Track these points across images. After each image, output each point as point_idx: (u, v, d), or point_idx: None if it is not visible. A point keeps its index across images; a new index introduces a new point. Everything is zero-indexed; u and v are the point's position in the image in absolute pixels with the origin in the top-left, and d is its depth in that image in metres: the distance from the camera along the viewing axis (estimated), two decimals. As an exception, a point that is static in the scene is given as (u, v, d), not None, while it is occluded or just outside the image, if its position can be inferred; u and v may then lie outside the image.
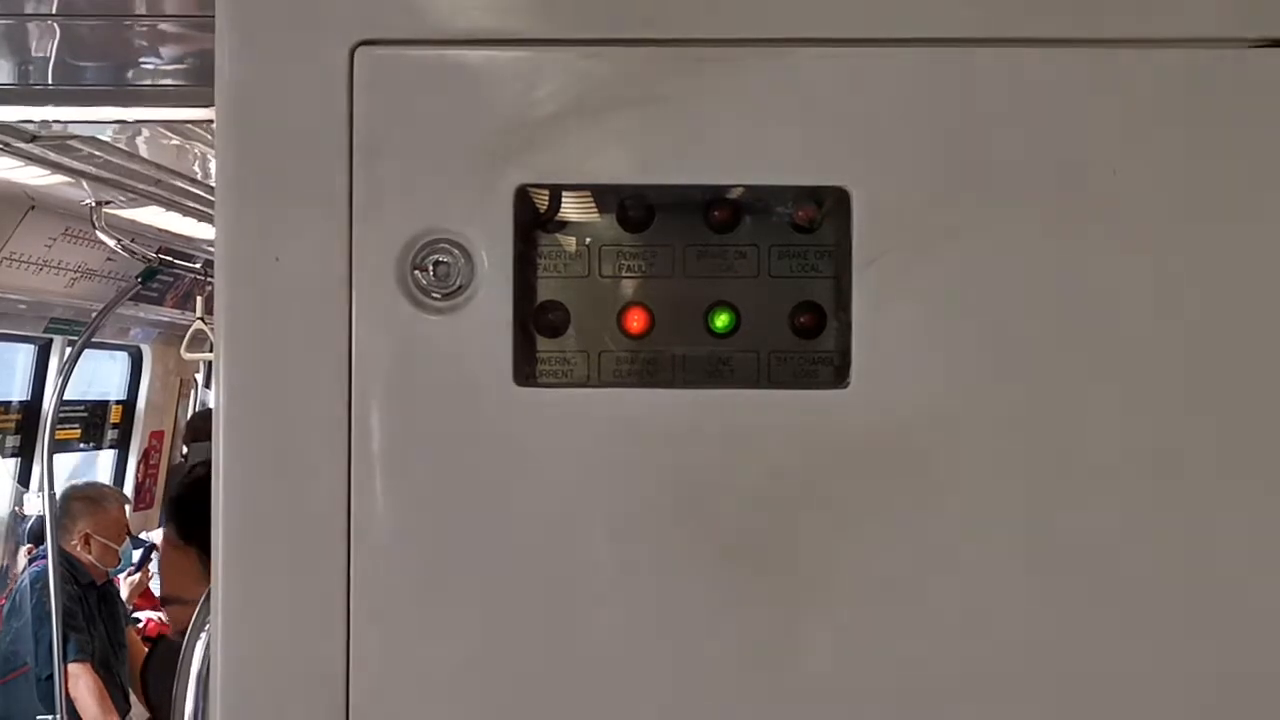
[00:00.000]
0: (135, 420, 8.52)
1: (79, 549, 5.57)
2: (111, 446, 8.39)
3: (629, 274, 1.01)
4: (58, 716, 4.68)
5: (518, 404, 0.98)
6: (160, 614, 6.05)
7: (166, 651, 2.58)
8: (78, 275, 6.53)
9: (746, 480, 0.98)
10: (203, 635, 1.82)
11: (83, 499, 5.79)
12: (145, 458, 8.57)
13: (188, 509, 2.49)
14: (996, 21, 0.98)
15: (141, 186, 4.67)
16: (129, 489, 8.21)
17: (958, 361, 0.97)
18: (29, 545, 6.23)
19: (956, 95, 0.97)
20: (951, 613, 0.98)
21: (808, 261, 1.01)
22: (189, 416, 8.94)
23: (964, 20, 0.98)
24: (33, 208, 5.52)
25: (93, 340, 5.29)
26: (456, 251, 0.98)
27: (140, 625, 6.07)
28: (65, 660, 4.80)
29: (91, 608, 5.52)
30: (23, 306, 6.60)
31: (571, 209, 1.02)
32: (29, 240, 5.86)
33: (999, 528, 0.97)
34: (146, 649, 5.52)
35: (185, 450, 8.59)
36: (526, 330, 1.00)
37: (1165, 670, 0.98)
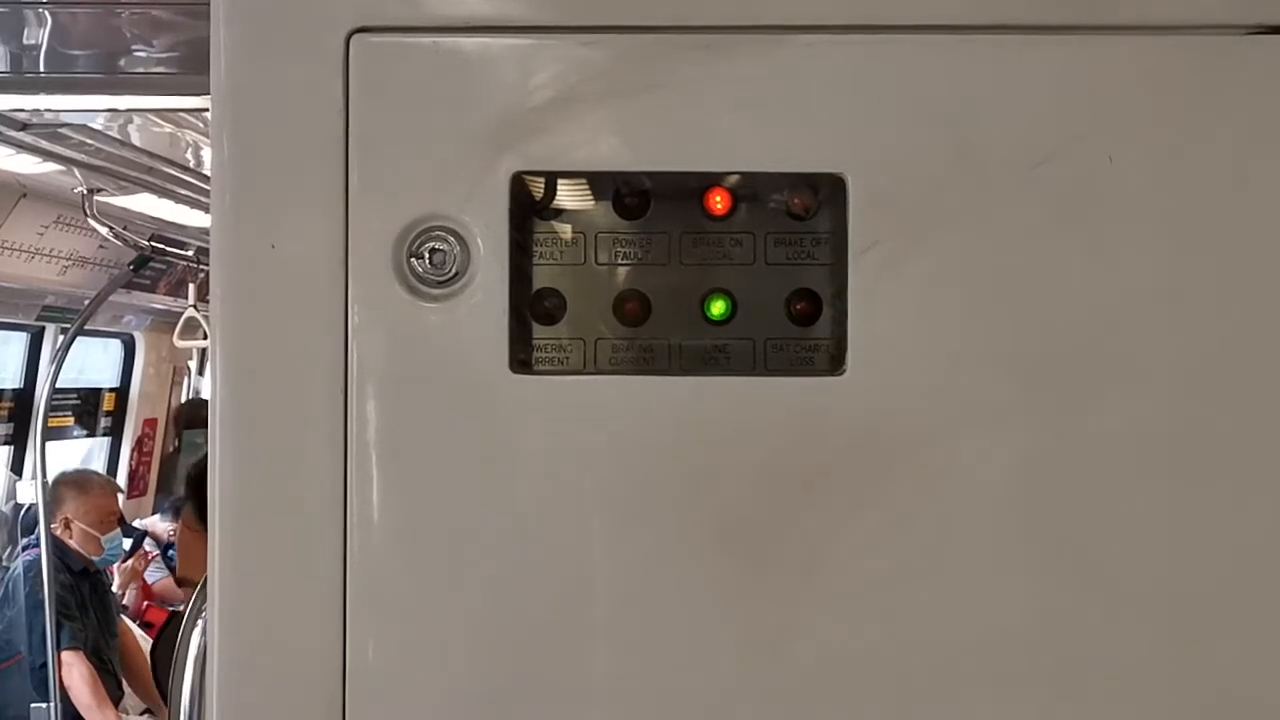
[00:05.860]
0: (128, 408, 8.52)
1: (60, 533, 5.55)
2: (105, 434, 8.39)
3: (625, 261, 1.01)
4: (51, 705, 4.68)
5: (513, 392, 0.98)
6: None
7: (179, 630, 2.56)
8: (70, 263, 6.52)
9: (743, 467, 0.98)
10: (200, 621, 1.81)
11: (69, 484, 5.78)
12: (139, 445, 8.57)
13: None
14: (993, 8, 0.98)
15: (133, 174, 4.66)
16: (122, 476, 8.20)
17: (953, 349, 0.97)
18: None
19: (953, 82, 0.97)
20: (948, 600, 0.98)
21: (804, 249, 1.01)
22: (180, 404, 8.93)
23: (961, 6, 0.98)
24: (24, 195, 5.51)
25: (85, 328, 5.28)
26: (452, 239, 0.98)
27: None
28: (59, 649, 4.79)
29: (84, 596, 5.52)
30: (15, 294, 6.59)
31: (567, 196, 1.01)
32: (21, 228, 5.85)
33: (995, 515, 0.97)
34: (152, 637, 5.52)
35: (177, 438, 8.59)
36: (522, 318, 1.00)
37: (1163, 662, 0.98)
